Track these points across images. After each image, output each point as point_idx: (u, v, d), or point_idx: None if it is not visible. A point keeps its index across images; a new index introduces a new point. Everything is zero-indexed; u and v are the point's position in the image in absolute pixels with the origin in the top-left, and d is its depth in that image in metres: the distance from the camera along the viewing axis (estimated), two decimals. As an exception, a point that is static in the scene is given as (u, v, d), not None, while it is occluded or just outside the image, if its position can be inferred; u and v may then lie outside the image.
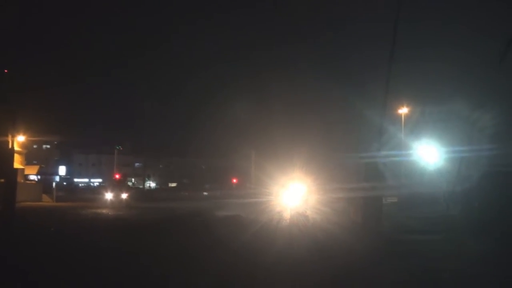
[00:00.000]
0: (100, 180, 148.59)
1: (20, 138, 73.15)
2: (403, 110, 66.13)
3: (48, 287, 16.30)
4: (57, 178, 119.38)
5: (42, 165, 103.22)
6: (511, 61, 31.23)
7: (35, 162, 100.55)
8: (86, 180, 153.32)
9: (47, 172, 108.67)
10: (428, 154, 53.89)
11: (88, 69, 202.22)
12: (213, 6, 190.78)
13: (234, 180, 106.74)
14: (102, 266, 19.02)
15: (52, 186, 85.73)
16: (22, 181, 72.45)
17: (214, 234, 28.10)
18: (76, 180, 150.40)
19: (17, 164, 66.81)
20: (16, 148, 68.98)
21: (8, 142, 54.89)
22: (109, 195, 67.51)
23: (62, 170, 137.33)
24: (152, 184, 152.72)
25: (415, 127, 61.86)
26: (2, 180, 41.86)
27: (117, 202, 64.76)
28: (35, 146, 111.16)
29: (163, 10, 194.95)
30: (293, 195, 36.63)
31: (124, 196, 66.87)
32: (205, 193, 74.95)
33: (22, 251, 22.26)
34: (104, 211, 51.91)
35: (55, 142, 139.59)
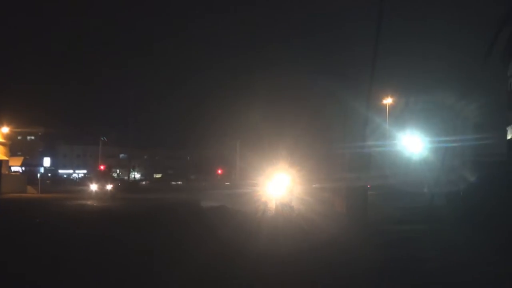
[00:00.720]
0: (84, 171, 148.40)
1: (4, 130, 72.86)
2: (388, 101, 66.42)
3: (34, 280, 16.18)
4: (42, 170, 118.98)
5: (27, 157, 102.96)
6: (495, 51, 31.33)
7: (19, 153, 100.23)
8: (70, 171, 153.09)
9: (31, 164, 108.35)
10: (413, 144, 54.10)
11: (74, 60, 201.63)
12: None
13: (219, 171, 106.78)
14: (89, 257, 18.93)
15: (36, 177, 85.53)
16: (6, 172, 72.29)
17: (199, 224, 28.05)
18: (60, 171, 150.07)
19: (1, 156, 66.61)
20: (0, 139, 68.74)
21: (-8, 133, 54.65)
22: (94, 186, 67.23)
23: (46, 161, 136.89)
24: (137, 175, 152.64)
25: (400, 117, 62.13)
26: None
27: (102, 193, 64.53)
28: (19, 137, 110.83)
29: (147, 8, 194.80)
30: (278, 185, 36.59)
31: (109, 187, 66.58)
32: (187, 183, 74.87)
33: (6, 244, 22.12)
34: (89, 202, 51.76)
35: (40, 133, 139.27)
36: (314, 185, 47.42)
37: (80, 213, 39.78)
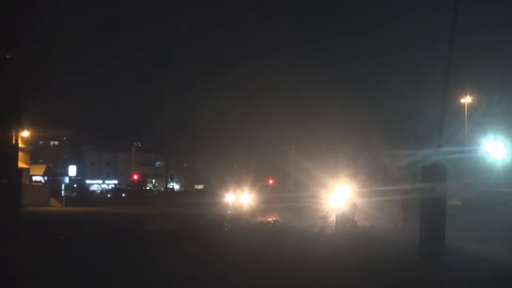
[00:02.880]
0: (115, 181, 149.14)
1: (24, 134, 73.60)
2: (467, 100, 65.48)
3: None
4: (67, 179, 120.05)
5: (50, 164, 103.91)
6: None
7: (41, 161, 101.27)
8: (99, 181, 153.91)
9: (55, 173, 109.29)
10: (496, 150, 53.46)
11: (102, 56, 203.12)
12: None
13: (271, 181, 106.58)
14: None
15: (61, 188, 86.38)
16: (27, 182, 73.03)
17: (246, 244, 28.05)
18: (88, 181, 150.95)
19: (21, 163, 67.37)
20: (20, 144, 69.53)
21: (11, 137, 55.24)
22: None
23: (72, 170, 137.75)
24: (176, 186, 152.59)
25: (481, 119, 61.39)
26: (5, 181, 42.06)
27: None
28: (41, 143, 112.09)
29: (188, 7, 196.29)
30: (339, 198, 36.46)
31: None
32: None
33: (26, 264, 22.38)
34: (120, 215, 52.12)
35: (64, 138, 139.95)
36: (380, 198, 47.20)
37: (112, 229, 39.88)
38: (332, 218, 34.18)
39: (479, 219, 41.80)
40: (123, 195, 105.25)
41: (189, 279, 19.50)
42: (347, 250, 26.52)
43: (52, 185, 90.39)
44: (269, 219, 43.47)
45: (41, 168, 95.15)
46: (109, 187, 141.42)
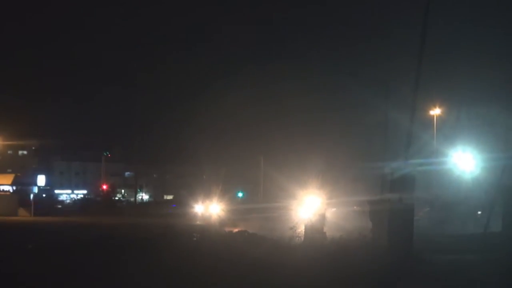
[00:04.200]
0: (85, 191, 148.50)
1: (-7, 143, 73.30)
2: (436, 112, 65.79)
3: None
4: (35, 189, 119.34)
5: (18, 174, 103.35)
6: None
7: (9, 170, 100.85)
8: (68, 191, 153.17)
9: (23, 182, 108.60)
10: (464, 162, 53.75)
11: (71, 66, 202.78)
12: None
13: (240, 194, 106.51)
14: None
15: (29, 198, 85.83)
16: (-6, 192, 72.66)
17: (215, 254, 27.97)
18: (57, 191, 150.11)
19: (-12, 173, 66.98)
20: (-12, 153, 69.15)
21: (-22, 146, 54.95)
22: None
23: (41, 179, 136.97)
24: (145, 196, 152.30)
25: (449, 131, 61.76)
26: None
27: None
28: (9, 152, 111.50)
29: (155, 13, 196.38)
30: (307, 209, 36.46)
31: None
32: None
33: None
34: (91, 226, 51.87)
35: (33, 148, 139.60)
36: (349, 208, 47.34)
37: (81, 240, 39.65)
38: (301, 228, 34.12)
39: (447, 230, 42.07)
40: (92, 205, 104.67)
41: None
42: (315, 257, 26.49)
43: (21, 194, 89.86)
44: (238, 229, 43.49)
45: (9, 178, 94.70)
46: (78, 197, 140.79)
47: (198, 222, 58.17)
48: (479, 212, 49.01)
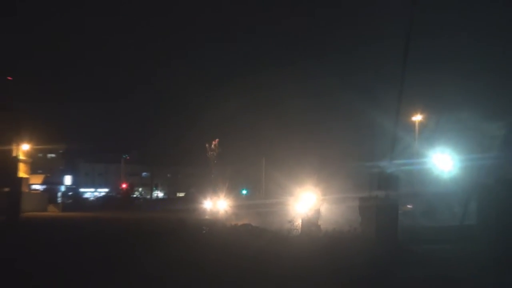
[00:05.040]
0: (106, 189, 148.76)
1: (25, 147, 73.20)
2: (417, 118, 66.10)
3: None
4: (63, 188, 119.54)
5: (48, 174, 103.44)
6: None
7: (40, 171, 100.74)
8: (92, 189, 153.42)
9: (52, 182, 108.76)
10: (443, 163, 53.75)
11: (95, 77, 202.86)
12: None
13: (244, 191, 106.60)
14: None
15: (57, 195, 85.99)
16: (27, 190, 72.59)
17: (222, 244, 28.11)
18: (82, 189, 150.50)
19: (21, 173, 67.01)
20: (21, 157, 69.19)
21: (12, 150, 55.02)
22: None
23: (67, 179, 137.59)
24: (160, 194, 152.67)
25: (430, 135, 61.80)
26: (7, 189, 41.94)
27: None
28: (40, 155, 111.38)
29: (168, 16, 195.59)
30: (304, 204, 36.50)
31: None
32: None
33: (25, 262, 22.31)
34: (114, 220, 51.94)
35: (61, 151, 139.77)
36: (341, 204, 47.30)
37: (106, 231, 39.70)
38: (298, 222, 34.14)
39: (427, 223, 42.08)
40: (113, 201, 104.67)
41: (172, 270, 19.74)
42: (311, 247, 26.62)
43: (50, 193, 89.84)
44: (242, 223, 43.50)
45: (40, 178, 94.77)
46: (101, 195, 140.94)
47: (207, 217, 58.11)
48: (456, 207, 48.95)
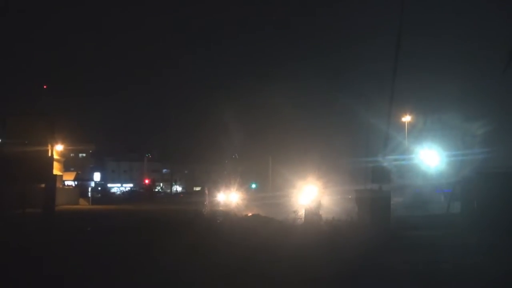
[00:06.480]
0: (131, 185, 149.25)
1: (59, 147, 73.62)
2: (407, 118, 66.44)
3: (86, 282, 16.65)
4: (92, 184, 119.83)
5: (79, 172, 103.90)
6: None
7: (72, 169, 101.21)
8: (118, 185, 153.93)
9: (83, 178, 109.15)
10: (430, 158, 53.92)
11: (120, 82, 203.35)
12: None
13: (253, 185, 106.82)
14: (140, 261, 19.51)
15: (87, 190, 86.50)
16: (60, 186, 72.95)
17: (235, 231, 28.50)
18: (109, 185, 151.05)
19: (56, 171, 67.37)
20: (55, 156, 69.58)
21: (48, 151, 55.51)
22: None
23: (96, 176, 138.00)
24: (178, 188, 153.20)
25: (418, 133, 61.99)
26: (43, 185, 42.38)
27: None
28: (72, 155, 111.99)
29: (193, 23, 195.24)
30: (307, 196, 36.69)
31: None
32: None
33: (61, 250, 22.58)
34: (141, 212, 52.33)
35: (90, 151, 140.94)
36: (340, 196, 47.52)
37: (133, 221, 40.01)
38: (302, 212, 34.31)
39: (416, 212, 42.30)
40: (137, 195, 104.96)
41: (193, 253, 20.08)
42: (314, 234, 26.91)
43: (81, 188, 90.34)
44: (252, 213, 43.81)
45: (72, 175, 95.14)
46: (126, 189, 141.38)
47: (220, 208, 58.24)
48: (442, 198, 49.19)
